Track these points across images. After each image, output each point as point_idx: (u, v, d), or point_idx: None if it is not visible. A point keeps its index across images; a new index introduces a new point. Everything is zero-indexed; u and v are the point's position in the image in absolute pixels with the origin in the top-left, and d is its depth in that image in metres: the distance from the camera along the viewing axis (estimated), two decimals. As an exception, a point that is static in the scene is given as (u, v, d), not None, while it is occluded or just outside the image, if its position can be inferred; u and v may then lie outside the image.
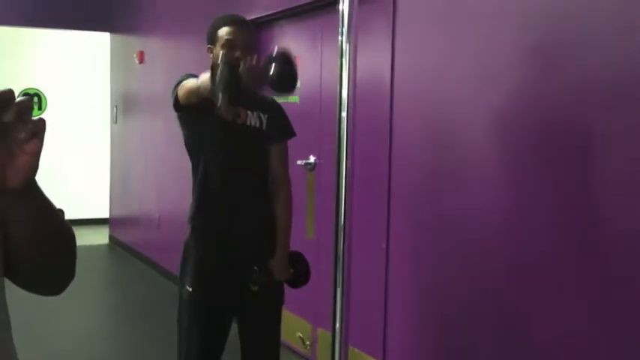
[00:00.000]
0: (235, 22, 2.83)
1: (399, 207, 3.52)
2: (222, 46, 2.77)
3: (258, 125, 2.86)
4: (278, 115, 2.97)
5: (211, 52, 2.83)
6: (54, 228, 1.07)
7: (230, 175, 2.85)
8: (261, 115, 2.87)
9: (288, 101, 4.38)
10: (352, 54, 2.43)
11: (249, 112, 2.84)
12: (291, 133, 3.00)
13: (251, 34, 2.89)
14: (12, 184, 0.94)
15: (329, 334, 4.04)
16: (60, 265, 1.11)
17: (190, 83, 2.62)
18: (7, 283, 1.09)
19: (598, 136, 2.49)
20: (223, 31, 2.79)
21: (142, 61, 7.46)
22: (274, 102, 3.02)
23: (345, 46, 2.42)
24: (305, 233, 4.28)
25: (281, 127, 2.97)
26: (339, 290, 2.45)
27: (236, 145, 2.85)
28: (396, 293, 3.55)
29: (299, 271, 3.01)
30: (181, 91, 2.66)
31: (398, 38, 3.49)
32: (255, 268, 2.86)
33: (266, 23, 4.82)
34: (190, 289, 2.82)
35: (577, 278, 2.56)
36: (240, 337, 2.99)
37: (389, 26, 3.51)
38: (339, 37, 2.43)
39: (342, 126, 2.44)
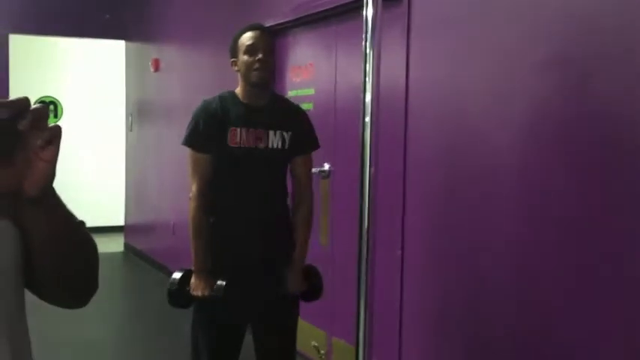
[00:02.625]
0: (255, 28, 2.90)
1: (414, 213, 3.51)
2: (245, 52, 2.83)
3: (280, 146, 2.86)
4: (303, 127, 2.97)
5: (235, 64, 2.89)
6: (74, 237, 1.05)
7: (252, 200, 2.87)
8: (284, 133, 2.87)
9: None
10: (376, 59, 2.43)
11: (270, 133, 2.85)
12: (315, 146, 3.02)
13: (271, 39, 2.96)
14: (30, 192, 0.93)
15: (344, 342, 4.03)
16: (81, 275, 1.09)
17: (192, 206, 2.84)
18: (26, 292, 1.08)
19: (616, 141, 2.47)
20: (244, 38, 2.86)
21: (157, 69, 7.49)
22: (299, 111, 3.03)
23: (369, 52, 2.42)
24: (319, 240, 4.27)
25: (307, 140, 2.98)
26: (362, 301, 2.40)
27: (257, 172, 2.86)
28: (412, 301, 3.53)
29: (313, 286, 3.01)
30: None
31: (413, 45, 3.48)
32: (273, 276, 2.87)
33: (281, 31, 4.83)
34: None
35: (603, 287, 2.53)
36: (255, 348, 2.99)
37: (404, 33, 3.50)
38: (363, 43, 2.43)
39: (365, 131, 2.42)
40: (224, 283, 2.77)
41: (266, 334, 2.97)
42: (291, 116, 2.97)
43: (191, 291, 2.81)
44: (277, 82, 4.87)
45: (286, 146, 2.88)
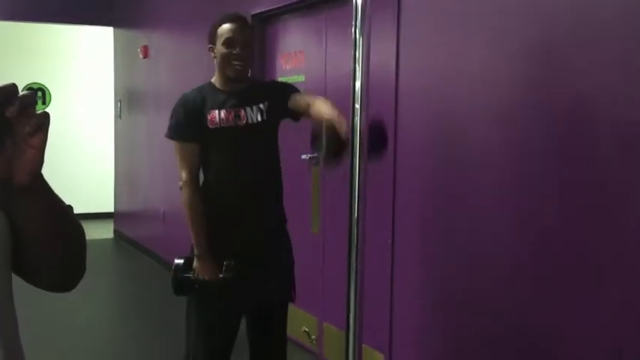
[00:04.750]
0: (235, 20, 2.88)
1: (404, 202, 3.51)
2: (223, 44, 2.83)
3: (260, 119, 2.87)
4: (277, 86, 3.04)
5: (212, 51, 2.89)
6: (63, 224, 1.06)
7: (241, 178, 2.87)
8: (261, 105, 2.88)
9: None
10: (365, 46, 2.43)
11: (247, 109, 2.86)
12: (296, 89, 2.97)
13: (250, 31, 2.95)
14: (18, 180, 0.93)
15: (334, 328, 4.05)
16: (70, 260, 1.10)
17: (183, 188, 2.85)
18: (14, 278, 1.08)
19: (607, 132, 2.48)
20: (223, 29, 2.85)
21: (146, 55, 7.45)
22: (273, 81, 3.08)
23: (359, 38, 2.42)
24: (310, 228, 4.28)
25: (286, 90, 2.95)
26: (352, 287, 2.40)
27: (242, 150, 2.87)
28: (402, 288, 3.55)
29: (375, 138, 2.61)
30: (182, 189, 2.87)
31: (403, 32, 3.47)
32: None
33: (271, 17, 4.81)
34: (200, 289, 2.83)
35: (589, 278, 2.55)
36: (249, 336, 3.01)
37: (394, 20, 3.50)
38: (353, 29, 2.43)
39: (355, 118, 2.42)
40: (232, 262, 2.77)
41: (261, 334, 3.00)
42: (265, 88, 3.00)
43: (196, 276, 2.79)
44: (268, 69, 4.85)
45: (265, 117, 2.87)
